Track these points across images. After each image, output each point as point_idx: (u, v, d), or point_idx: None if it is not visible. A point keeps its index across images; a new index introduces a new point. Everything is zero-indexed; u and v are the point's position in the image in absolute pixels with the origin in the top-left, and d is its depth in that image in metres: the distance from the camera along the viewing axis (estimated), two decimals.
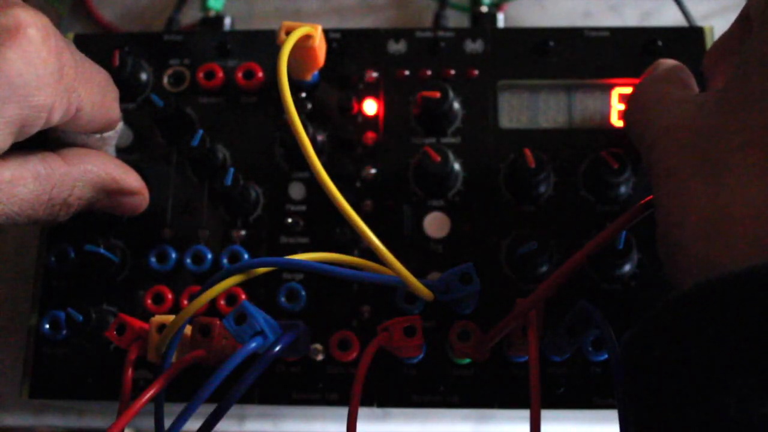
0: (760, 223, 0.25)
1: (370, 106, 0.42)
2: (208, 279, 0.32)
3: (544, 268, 0.38)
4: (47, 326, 0.39)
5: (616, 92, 0.42)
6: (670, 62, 0.36)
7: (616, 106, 0.42)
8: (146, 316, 0.36)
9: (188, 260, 0.40)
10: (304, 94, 0.42)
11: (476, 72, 0.42)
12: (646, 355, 0.26)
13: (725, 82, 0.29)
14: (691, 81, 0.34)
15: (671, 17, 0.49)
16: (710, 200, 0.27)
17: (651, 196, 0.32)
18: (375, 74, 0.43)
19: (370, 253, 0.33)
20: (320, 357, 0.38)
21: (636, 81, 0.41)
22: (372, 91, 0.42)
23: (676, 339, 0.24)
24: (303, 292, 0.39)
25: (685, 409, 0.23)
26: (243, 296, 0.39)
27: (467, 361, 0.38)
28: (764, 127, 0.26)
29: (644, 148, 0.32)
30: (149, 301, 0.39)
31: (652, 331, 0.26)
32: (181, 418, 0.29)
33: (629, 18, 0.50)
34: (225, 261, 0.39)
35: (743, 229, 0.25)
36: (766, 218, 0.25)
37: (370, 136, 0.41)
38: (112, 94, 0.36)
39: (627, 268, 0.38)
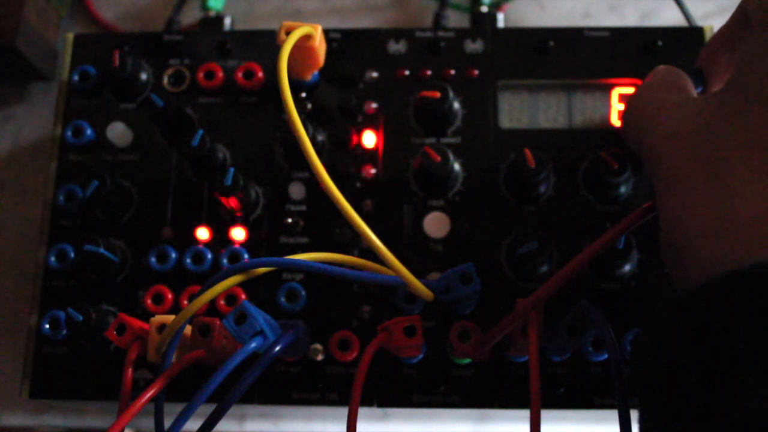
0: (764, 222, 0.25)
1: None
2: (208, 279, 0.32)
3: (544, 268, 0.38)
4: (47, 326, 0.39)
5: (616, 92, 0.42)
6: (666, 68, 0.36)
7: (616, 106, 0.42)
8: (146, 316, 0.36)
9: (188, 260, 0.40)
10: (304, 94, 0.42)
11: (476, 72, 0.42)
12: (656, 353, 0.26)
13: (725, 83, 0.29)
14: (688, 85, 0.34)
15: (671, 17, 0.49)
16: (714, 201, 0.27)
17: (653, 200, 0.32)
18: (375, 74, 0.43)
19: (370, 253, 0.33)
20: (320, 357, 0.38)
21: (636, 81, 0.42)
22: (372, 92, 0.42)
23: (686, 336, 0.24)
24: (303, 292, 0.39)
25: (695, 407, 0.23)
26: (243, 296, 0.39)
27: (467, 361, 0.38)
28: (765, 126, 0.26)
29: (645, 152, 0.32)
30: (149, 301, 0.39)
31: (662, 329, 0.26)
32: (181, 418, 0.29)
33: (629, 18, 0.50)
34: (225, 261, 0.40)
35: (747, 229, 0.25)
36: None
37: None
38: None
39: (627, 268, 0.38)
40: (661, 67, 0.36)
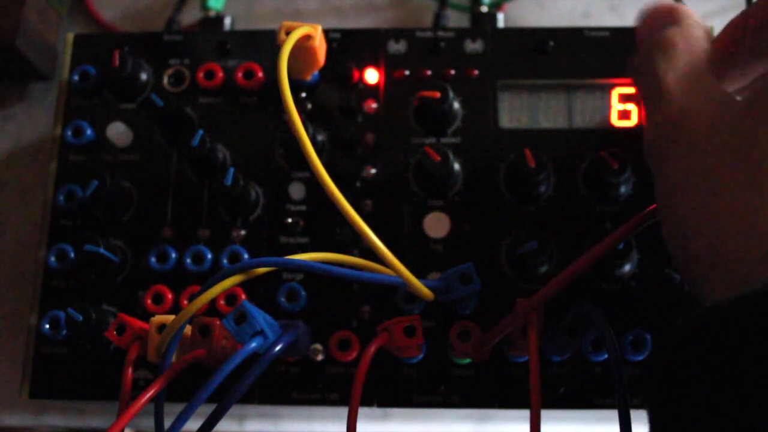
0: None
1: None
2: (208, 279, 0.32)
3: (544, 268, 0.38)
4: (47, 326, 0.39)
5: (616, 92, 0.42)
6: (699, 25, 0.31)
7: (616, 106, 0.42)
8: (146, 316, 0.36)
9: (188, 260, 0.40)
10: (304, 94, 0.42)
11: (476, 72, 0.42)
12: (677, 366, 0.24)
13: (754, 89, 0.27)
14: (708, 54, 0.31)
15: None
16: (749, 207, 0.25)
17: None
18: (375, 74, 0.43)
19: (370, 253, 0.33)
20: (320, 357, 0.38)
21: None
22: (372, 91, 0.42)
23: (713, 352, 0.23)
24: (303, 292, 0.39)
25: (719, 424, 0.22)
26: (243, 296, 0.39)
27: (467, 361, 0.38)
28: None
29: (661, 116, 0.29)
30: (149, 301, 0.39)
31: (685, 342, 0.24)
32: (181, 418, 0.29)
33: (629, 18, 0.50)
34: (225, 261, 0.39)
35: None
36: None
37: (369, 136, 0.41)
38: None
39: (627, 268, 0.38)
40: (695, 21, 0.31)
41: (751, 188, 0.25)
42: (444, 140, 0.41)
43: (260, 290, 0.39)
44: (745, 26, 0.30)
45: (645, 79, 0.31)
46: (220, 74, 0.42)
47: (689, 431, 0.23)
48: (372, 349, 0.32)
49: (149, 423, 0.32)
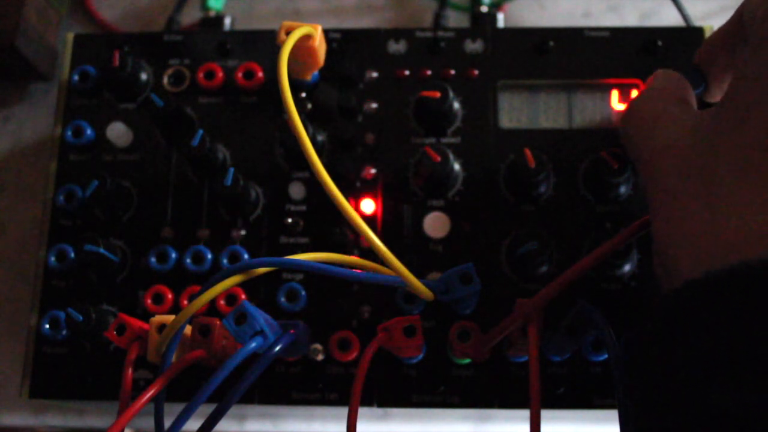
0: (753, 243, 0.25)
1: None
2: (208, 279, 0.32)
3: (544, 268, 0.38)
4: (47, 326, 0.39)
5: (616, 92, 0.42)
6: (666, 75, 0.35)
7: (616, 106, 0.42)
8: (146, 316, 0.36)
9: (188, 260, 0.40)
10: (304, 94, 0.42)
11: (476, 72, 0.42)
12: (636, 355, 0.26)
13: (721, 99, 0.29)
14: (689, 95, 0.34)
15: (671, 17, 0.49)
16: (707, 220, 0.27)
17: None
18: (375, 74, 0.43)
19: (370, 253, 0.33)
20: (320, 357, 0.38)
21: (636, 81, 0.42)
22: (372, 93, 0.42)
23: (661, 338, 0.25)
24: (303, 292, 0.39)
25: (671, 407, 0.24)
26: (243, 296, 0.39)
27: (467, 361, 0.38)
28: (758, 147, 0.26)
29: (641, 164, 0.32)
30: (149, 301, 0.39)
31: (641, 333, 0.26)
32: (181, 418, 0.29)
33: (629, 18, 0.50)
34: (225, 261, 0.40)
35: (737, 249, 0.25)
36: (758, 239, 0.25)
37: (369, 136, 0.41)
38: None
39: (627, 268, 0.38)
40: (661, 72, 0.35)
41: (705, 201, 0.27)
42: (444, 140, 0.41)
43: (260, 290, 0.39)
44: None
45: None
46: (220, 74, 0.42)
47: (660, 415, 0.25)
48: (372, 349, 0.32)
49: (149, 423, 0.32)
